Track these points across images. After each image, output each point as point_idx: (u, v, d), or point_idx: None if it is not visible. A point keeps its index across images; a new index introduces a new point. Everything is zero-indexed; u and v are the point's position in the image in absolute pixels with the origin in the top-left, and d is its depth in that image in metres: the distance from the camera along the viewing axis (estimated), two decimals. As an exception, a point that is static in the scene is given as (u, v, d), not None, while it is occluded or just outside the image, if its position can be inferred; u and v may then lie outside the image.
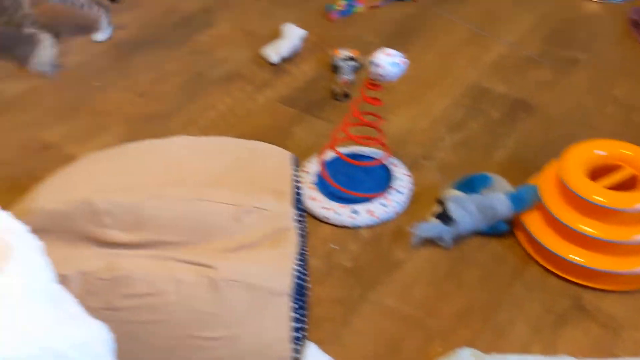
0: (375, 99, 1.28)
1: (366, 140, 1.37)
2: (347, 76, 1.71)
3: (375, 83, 1.24)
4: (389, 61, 1.18)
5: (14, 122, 1.65)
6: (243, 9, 2.05)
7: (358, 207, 1.34)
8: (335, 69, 1.76)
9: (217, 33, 1.95)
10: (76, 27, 1.96)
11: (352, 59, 1.75)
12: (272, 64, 1.81)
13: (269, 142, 1.57)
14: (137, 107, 1.68)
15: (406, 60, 1.21)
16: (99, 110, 1.68)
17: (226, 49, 1.89)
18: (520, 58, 1.82)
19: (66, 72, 1.80)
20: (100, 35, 1.91)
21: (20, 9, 1.70)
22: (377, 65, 1.19)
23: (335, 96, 1.68)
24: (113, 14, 1.92)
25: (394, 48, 1.16)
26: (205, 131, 1.60)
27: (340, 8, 1.99)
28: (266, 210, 1.07)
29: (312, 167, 1.43)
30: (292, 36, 1.86)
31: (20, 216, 0.74)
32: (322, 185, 1.39)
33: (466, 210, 1.24)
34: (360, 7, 2.01)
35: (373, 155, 1.44)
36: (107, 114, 1.66)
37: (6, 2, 1.69)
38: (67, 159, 1.53)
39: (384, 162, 1.41)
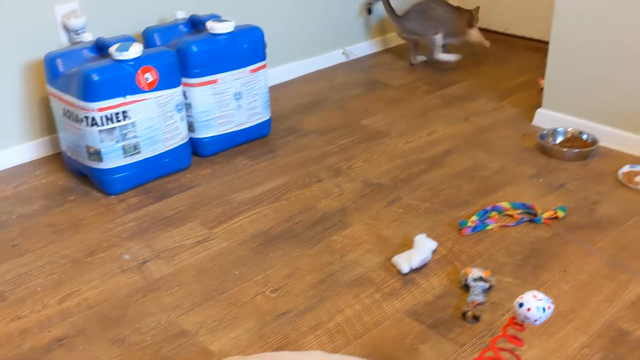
0: (516, 338, 1.25)
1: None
2: (477, 297, 1.70)
3: (519, 323, 1.22)
4: (536, 305, 1.17)
5: (158, 303, 1.75)
6: (377, 213, 2.15)
7: None
8: (465, 287, 1.76)
9: (351, 234, 2.04)
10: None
11: (482, 279, 1.75)
12: (401, 274, 1.84)
13: (395, 358, 1.55)
14: (269, 303, 1.75)
15: (553, 305, 1.20)
16: (233, 300, 1.76)
17: (358, 251, 1.96)
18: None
19: (211, 256, 1.93)
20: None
21: None
22: (524, 307, 1.18)
23: (464, 317, 1.66)
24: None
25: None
26: (332, 336, 1.62)
27: (472, 224, 2.03)
28: None
29: (440, 395, 1.39)
30: (423, 247, 1.90)
31: None
32: (449, 418, 1.34)
33: None
34: (492, 225, 2.04)
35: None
36: (240, 305, 1.74)
37: None
38: (200, 349, 1.60)
39: (518, 404, 1.35)
